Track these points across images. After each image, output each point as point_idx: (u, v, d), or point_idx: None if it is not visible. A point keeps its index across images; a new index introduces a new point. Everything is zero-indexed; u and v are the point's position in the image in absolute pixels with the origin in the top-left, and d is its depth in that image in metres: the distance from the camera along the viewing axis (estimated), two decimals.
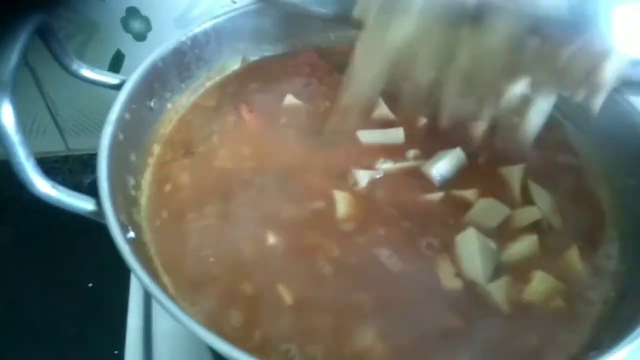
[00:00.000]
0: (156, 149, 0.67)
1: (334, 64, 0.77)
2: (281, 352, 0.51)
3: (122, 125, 0.59)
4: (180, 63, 0.69)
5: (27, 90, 0.99)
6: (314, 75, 0.77)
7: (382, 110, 0.70)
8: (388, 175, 0.64)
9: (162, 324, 0.70)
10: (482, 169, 0.65)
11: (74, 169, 1.12)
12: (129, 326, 0.70)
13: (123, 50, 0.95)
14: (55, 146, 1.10)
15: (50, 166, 1.10)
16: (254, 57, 0.79)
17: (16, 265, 0.98)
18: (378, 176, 0.64)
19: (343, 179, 0.64)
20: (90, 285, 0.97)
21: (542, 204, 0.62)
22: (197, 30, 0.70)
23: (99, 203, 0.51)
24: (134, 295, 0.73)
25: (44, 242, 1.00)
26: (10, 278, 0.95)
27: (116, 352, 0.73)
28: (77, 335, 0.92)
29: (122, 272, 0.56)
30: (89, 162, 1.12)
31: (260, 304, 0.54)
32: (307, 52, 0.80)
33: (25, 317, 0.94)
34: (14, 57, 0.46)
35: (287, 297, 0.54)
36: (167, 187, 0.63)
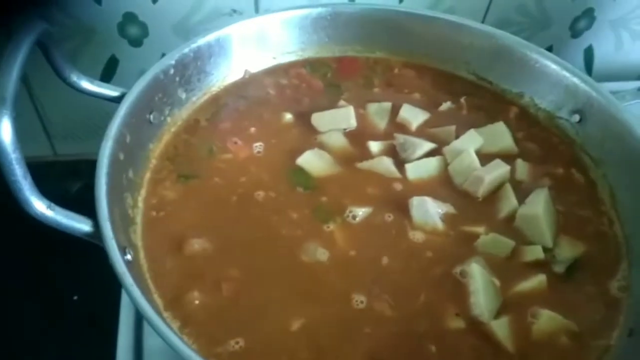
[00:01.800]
0: (153, 164, 0.65)
1: (320, 76, 0.77)
2: None
3: (120, 140, 0.57)
4: (182, 75, 0.67)
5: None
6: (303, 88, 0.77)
7: None
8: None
9: (153, 341, 0.67)
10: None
11: (61, 176, 1.08)
12: (119, 344, 0.68)
13: (117, 56, 0.92)
14: (42, 151, 1.06)
15: (37, 172, 1.06)
16: (254, 70, 0.77)
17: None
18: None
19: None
20: (75, 298, 0.94)
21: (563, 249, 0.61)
22: (200, 42, 0.68)
23: (96, 224, 0.49)
24: (124, 312, 0.71)
25: (26, 250, 0.97)
26: None
27: None
28: (62, 351, 0.88)
29: (110, 284, 0.54)
30: (77, 168, 1.08)
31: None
32: (297, 65, 0.79)
33: (5, 332, 0.90)
34: (14, 70, 0.44)
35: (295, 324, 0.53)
36: (161, 208, 0.61)
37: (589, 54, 1.07)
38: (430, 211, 0.62)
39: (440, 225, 0.62)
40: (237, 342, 0.52)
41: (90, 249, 0.50)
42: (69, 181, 1.09)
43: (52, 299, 0.91)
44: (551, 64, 0.73)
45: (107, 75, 0.94)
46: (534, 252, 0.60)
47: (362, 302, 0.55)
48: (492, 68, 0.77)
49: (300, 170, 0.66)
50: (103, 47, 0.92)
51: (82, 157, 1.05)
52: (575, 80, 0.71)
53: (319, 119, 0.71)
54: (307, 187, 0.64)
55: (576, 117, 0.72)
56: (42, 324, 0.88)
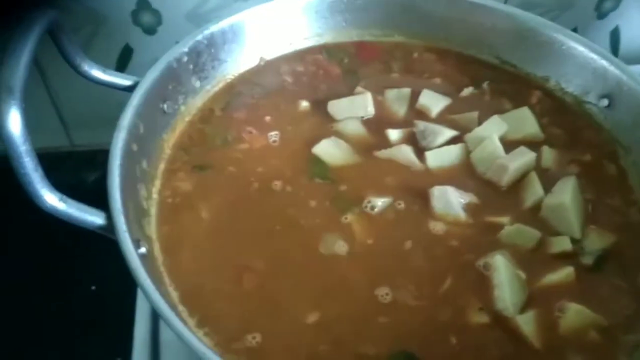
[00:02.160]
0: (167, 154, 0.63)
1: (337, 61, 0.75)
2: None
3: (133, 131, 0.55)
4: (196, 63, 0.66)
5: (31, 83, 0.95)
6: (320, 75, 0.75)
7: None
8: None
9: (169, 334, 0.67)
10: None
11: (78, 166, 1.08)
12: (135, 336, 0.68)
13: (131, 45, 0.91)
14: (59, 141, 1.06)
15: (53, 162, 1.06)
16: (270, 57, 0.75)
17: (15, 268, 0.94)
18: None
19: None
20: (93, 288, 0.94)
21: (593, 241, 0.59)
22: (213, 28, 0.67)
23: (109, 217, 0.48)
24: (141, 304, 0.70)
25: (43, 241, 0.97)
26: (9, 281, 0.91)
27: (119, 359, 0.70)
28: (80, 340, 0.88)
29: (128, 275, 0.53)
30: (94, 158, 1.08)
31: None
32: (313, 51, 0.77)
33: (26, 322, 0.91)
34: (23, 59, 0.43)
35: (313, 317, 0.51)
36: (176, 198, 0.60)
37: (615, 35, 1.03)
38: (452, 201, 0.60)
39: (462, 215, 0.60)
40: (254, 337, 0.51)
41: (109, 239, 0.49)
42: (86, 171, 1.09)
43: (71, 289, 0.90)
44: (578, 46, 0.70)
45: (121, 64, 0.93)
46: (561, 243, 0.58)
47: (386, 294, 0.53)
48: (516, 51, 0.74)
49: (317, 160, 0.64)
50: (117, 36, 0.91)
51: (99, 147, 1.04)
52: (604, 62, 0.68)
53: (336, 107, 0.69)
54: (324, 177, 0.62)
55: (605, 102, 0.69)
56: (60, 314, 0.88)
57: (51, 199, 0.46)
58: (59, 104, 1.01)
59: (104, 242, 0.49)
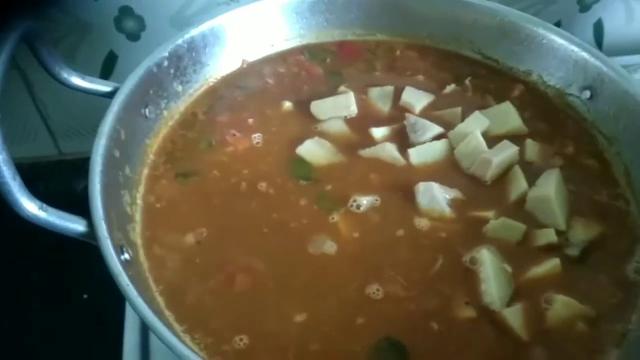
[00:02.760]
0: (150, 160, 0.63)
1: (319, 62, 0.75)
2: None
3: (114, 137, 0.55)
4: (177, 67, 0.66)
5: (16, 93, 0.95)
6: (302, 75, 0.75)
7: None
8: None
9: (159, 341, 0.66)
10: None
11: (66, 175, 1.08)
12: (125, 342, 0.67)
13: (116, 51, 0.91)
14: (46, 150, 1.06)
15: (41, 171, 1.06)
16: (252, 59, 0.75)
17: (5, 277, 0.94)
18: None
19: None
20: (85, 296, 0.93)
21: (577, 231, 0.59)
22: (194, 32, 0.67)
23: (90, 224, 0.48)
24: (130, 311, 0.70)
25: (33, 250, 0.96)
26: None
27: None
28: (72, 350, 0.88)
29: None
30: (82, 166, 1.07)
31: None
32: (295, 52, 0.77)
33: (16, 331, 0.90)
34: None
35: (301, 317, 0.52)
36: (160, 203, 0.60)
37: (598, 28, 1.03)
38: (437, 197, 0.60)
39: (447, 211, 0.60)
40: (241, 339, 0.51)
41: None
42: (75, 180, 1.09)
43: (62, 298, 0.90)
44: (558, 39, 0.70)
45: (106, 71, 0.93)
46: (547, 236, 0.58)
47: (377, 290, 0.53)
48: (498, 46, 0.75)
49: (301, 160, 0.64)
50: (100, 43, 0.90)
51: (87, 155, 1.05)
52: (585, 54, 0.68)
53: (319, 107, 0.69)
54: (309, 178, 0.62)
55: (587, 94, 0.69)
56: (51, 323, 0.88)
57: (31, 207, 0.46)
58: (45, 114, 1.01)
59: (94, 249, 0.49)
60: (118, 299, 0.70)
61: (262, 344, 0.50)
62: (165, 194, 0.61)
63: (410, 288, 0.54)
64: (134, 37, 0.89)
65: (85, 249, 0.57)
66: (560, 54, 0.70)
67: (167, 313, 0.52)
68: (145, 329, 0.68)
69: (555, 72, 0.71)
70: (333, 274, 0.55)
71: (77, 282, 0.93)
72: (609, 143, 0.67)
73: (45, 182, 1.02)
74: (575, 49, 0.69)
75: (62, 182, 1.09)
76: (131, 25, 0.88)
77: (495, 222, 0.59)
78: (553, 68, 0.71)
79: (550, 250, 0.57)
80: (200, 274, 0.55)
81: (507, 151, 0.63)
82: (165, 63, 0.64)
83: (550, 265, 0.56)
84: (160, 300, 0.53)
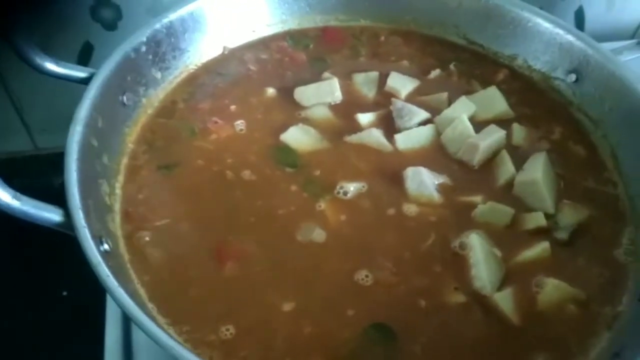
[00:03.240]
0: (129, 149, 0.61)
1: (302, 48, 0.74)
2: None
3: (91, 124, 0.53)
4: (155, 53, 0.64)
5: None
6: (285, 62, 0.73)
7: None
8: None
9: (141, 336, 0.65)
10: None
11: (43, 170, 1.05)
12: (107, 338, 0.66)
13: (92, 41, 0.88)
14: (22, 145, 1.03)
15: (17, 167, 1.03)
16: (233, 45, 0.73)
17: None
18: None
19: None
20: (64, 293, 0.91)
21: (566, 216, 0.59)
22: (172, 17, 0.65)
23: (67, 214, 0.46)
24: (110, 305, 0.68)
25: (12, 247, 0.94)
26: None
27: None
28: (54, 347, 0.86)
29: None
30: (59, 161, 1.04)
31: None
32: (278, 38, 0.75)
33: None
34: None
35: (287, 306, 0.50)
36: (140, 194, 0.58)
37: (579, 15, 1.03)
38: (425, 182, 0.59)
39: (436, 196, 0.59)
40: (227, 329, 0.49)
41: (79, 244, 0.46)
42: (52, 175, 1.06)
43: (41, 296, 0.88)
44: (544, 22, 0.70)
45: (82, 62, 0.90)
46: (536, 219, 0.57)
47: (366, 276, 0.53)
48: (482, 30, 0.74)
49: (286, 147, 0.62)
50: (76, 33, 0.88)
51: (64, 149, 1.03)
52: (570, 37, 0.68)
53: (303, 93, 0.67)
54: (294, 165, 0.61)
55: (572, 77, 0.69)
56: (31, 321, 0.86)
57: (4, 196, 0.44)
58: (20, 108, 0.98)
59: (73, 246, 0.47)
60: (98, 295, 0.68)
61: (248, 334, 0.49)
62: (146, 183, 0.59)
63: (399, 274, 0.53)
64: (110, 26, 0.87)
65: (64, 246, 0.55)
66: (546, 37, 0.70)
67: (150, 305, 0.50)
68: (127, 326, 0.66)
69: (541, 55, 0.71)
70: (322, 262, 0.54)
71: (57, 280, 0.92)
72: (595, 126, 0.66)
73: (22, 178, 0.99)
74: (561, 31, 0.68)
75: (39, 177, 1.06)
76: (107, 15, 0.85)
77: (484, 207, 0.58)
78: (538, 52, 0.71)
79: (539, 233, 0.57)
80: (185, 264, 0.53)
81: (494, 135, 0.62)
82: (144, 48, 0.62)
83: (540, 248, 0.55)
84: (142, 292, 0.51)
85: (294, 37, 0.75)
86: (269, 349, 0.48)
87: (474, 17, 0.74)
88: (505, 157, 0.62)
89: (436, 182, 0.60)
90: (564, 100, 0.69)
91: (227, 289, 0.52)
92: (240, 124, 0.64)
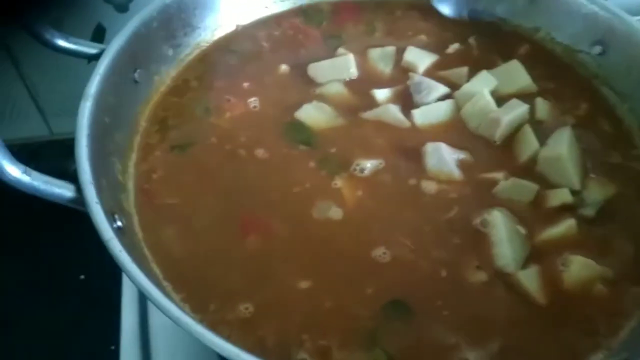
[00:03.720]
0: (142, 127, 0.60)
1: (316, 24, 0.72)
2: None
3: (102, 100, 0.52)
4: (166, 29, 0.63)
5: (4, 72, 0.92)
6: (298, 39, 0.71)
7: None
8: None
9: (158, 318, 0.64)
10: None
11: (58, 155, 1.05)
12: (123, 322, 0.66)
13: (104, 23, 0.88)
14: (38, 131, 1.03)
15: (33, 153, 1.03)
16: (245, 22, 0.71)
17: (1, 260, 0.92)
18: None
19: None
20: (82, 277, 0.91)
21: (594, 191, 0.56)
22: None
23: (79, 189, 0.45)
24: (127, 289, 0.68)
25: (27, 231, 0.94)
26: None
27: (112, 347, 0.67)
28: (71, 331, 0.87)
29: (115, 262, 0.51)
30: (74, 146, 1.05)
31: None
32: (290, 14, 0.74)
33: (14, 313, 0.88)
34: None
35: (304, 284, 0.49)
36: (154, 173, 0.57)
37: None
38: (445, 158, 0.57)
39: (456, 173, 0.57)
40: (246, 308, 0.48)
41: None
42: (67, 161, 1.06)
43: (59, 279, 0.88)
44: None
45: None
46: (561, 196, 0.55)
47: (383, 253, 0.51)
48: (502, 3, 0.71)
49: (300, 125, 0.61)
50: (88, 15, 0.87)
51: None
52: (594, 7, 0.65)
53: (317, 70, 0.66)
54: (309, 142, 0.60)
55: (597, 49, 0.66)
56: (50, 305, 0.85)
57: (14, 171, 0.43)
58: (35, 94, 0.98)
59: (90, 230, 0.47)
60: (116, 278, 0.68)
61: (267, 312, 0.48)
62: (159, 162, 0.58)
63: (418, 251, 0.51)
64: (122, 8, 0.86)
65: (82, 230, 0.55)
66: (569, 8, 0.67)
67: (165, 284, 0.49)
68: (144, 310, 0.66)
69: (564, 27, 0.68)
70: (338, 239, 0.53)
71: (74, 263, 0.92)
72: (621, 100, 0.64)
73: (37, 162, 0.99)
74: (585, 2, 0.66)
75: (54, 163, 1.06)
76: None
77: (506, 183, 0.56)
78: (561, 24, 0.68)
79: (564, 210, 0.55)
80: (199, 243, 0.53)
81: (516, 110, 0.60)
82: (155, 24, 0.61)
83: (566, 226, 0.53)
84: (157, 271, 0.50)
85: (307, 12, 0.73)
86: (287, 327, 0.47)
87: None
88: (529, 132, 0.59)
89: (456, 158, 0.58)
90: (588, 74, 0.67)
91: (245, 265, 0.51)
92: (253, 101, 0.63)
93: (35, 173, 0.44)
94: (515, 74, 0.65)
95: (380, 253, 0.51)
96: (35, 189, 0.44)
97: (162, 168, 0.58)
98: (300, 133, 0.60)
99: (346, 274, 0.50)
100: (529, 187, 0.56)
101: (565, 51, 0.69)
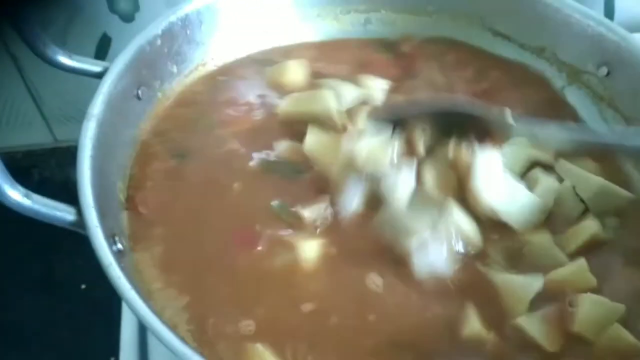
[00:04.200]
0: (144, 144, 0.60)
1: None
2: None
3: (105, 119, 0.52)
4: (171, 46, 0.63)
5: (9, 79, 0.92)
6: None
7: None
8: None
9: None
10: None
11: (62, 163, 1.05)
12: (123, 332, 0.66)
13: (109, 34, 0.88)
14: (41, 138, 1.03)
15: (37, 160, 1.03)
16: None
17: (3, 268, 0.92)
18: None
19: None
20: (83, 287, 0.91)
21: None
22: (188, 9, 0.63)
23: (79, 212, 0.45)
24: None
25: (28, 240, 0.95)
26: None
27: (112, 358, 0.68)
28: (71, 341, 0.87)
29: None
30: None
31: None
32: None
33: (14, 322, 0.89)
34: None
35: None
36: (158, 189, 0.57)
37: (609, 5, 0.99)
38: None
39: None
40: (247, 326, 0.48)
41: None
42: (70, 168, 1.06)
43: (60, 289, 0.88)
44: (574, 14, 0.67)
45: (100, 54, 0.90)
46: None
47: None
48: (509, 21, 0.71)
49: None
50: (93, 25, 0.87)
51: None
52: (601, 29, 0.65)
53: None
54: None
55: (604, 70, 0.65)
56: (49, 314, 0.85)
57: (14, 195, 0.43)
58: (39, 100, 0.98)
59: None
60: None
61: (268, 330, 0.48)
62: (161, 178, 0.58)
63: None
64: (127, 18, 0.87)
65: (84, 239, 0.55)
66: (575, 29, 0.67)
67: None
68: None
69: (570, 48, 0.68)
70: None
71: (76, 273, 0.92)
72: (627, 123, 0.63)
73: (40, 170, 0.99)
74: (592, 23, 0.65)
75: (57, 170, 1.06)
76: (125, 6, 0.85)
77: None
78: (567, 44, 0.68)
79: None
80: (199, 262, 0.53)
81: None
82: (159, 41, 0.61)
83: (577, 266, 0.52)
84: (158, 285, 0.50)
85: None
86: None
87: (500, 7, 0.71)
88: None
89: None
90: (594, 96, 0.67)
91: (242, 286, 0.51)
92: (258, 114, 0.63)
93: (35, 196, 0.45)
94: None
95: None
96: (36, 213, 0.44)
97: (164, 183, 0.58)
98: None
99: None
100: None
101: (571, 72, 0.68)
